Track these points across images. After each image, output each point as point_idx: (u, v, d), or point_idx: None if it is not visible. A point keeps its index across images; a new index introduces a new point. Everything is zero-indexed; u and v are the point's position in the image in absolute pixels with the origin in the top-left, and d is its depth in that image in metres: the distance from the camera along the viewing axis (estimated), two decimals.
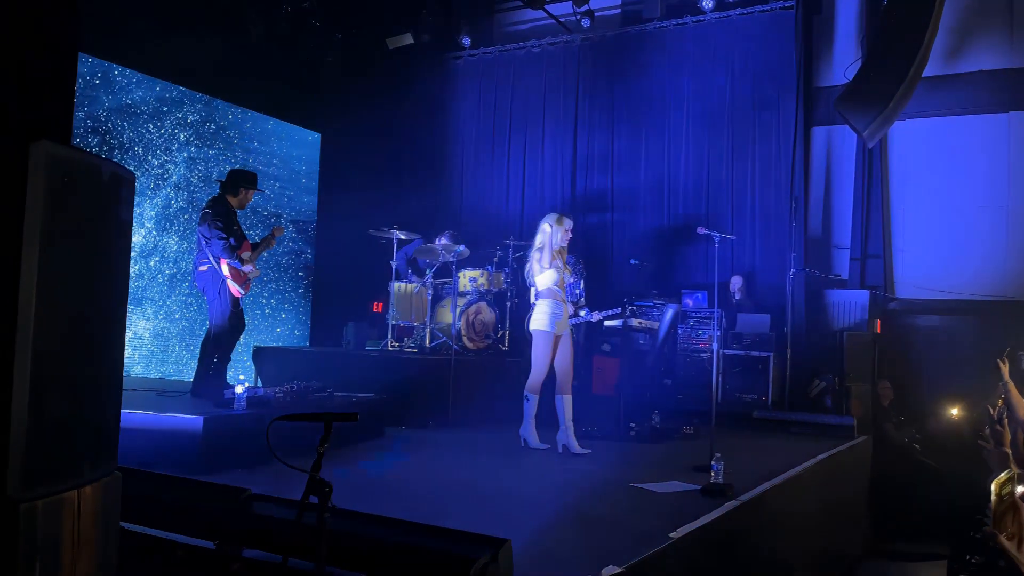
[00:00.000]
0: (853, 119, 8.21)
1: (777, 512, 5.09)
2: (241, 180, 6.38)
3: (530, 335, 6.22)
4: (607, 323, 7.70)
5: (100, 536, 1.81)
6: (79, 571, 1.73)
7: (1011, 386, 4.52)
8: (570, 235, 6.28)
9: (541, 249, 6.13)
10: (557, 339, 6.11)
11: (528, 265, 6.31)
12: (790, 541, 5.36)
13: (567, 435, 6.07)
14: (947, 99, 9.04)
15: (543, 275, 6.11)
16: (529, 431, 6.19)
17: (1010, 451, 4.32)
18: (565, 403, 6.09)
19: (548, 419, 6.29)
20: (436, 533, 2.85)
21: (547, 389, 6.26)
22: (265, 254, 8.03)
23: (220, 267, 6.10)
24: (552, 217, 6.23)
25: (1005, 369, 4.57)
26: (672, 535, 3.73)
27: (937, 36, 8.18)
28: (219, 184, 6.44)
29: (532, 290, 6.39)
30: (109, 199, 1.79)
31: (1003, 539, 2.67)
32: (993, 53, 8.94)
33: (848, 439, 7.32)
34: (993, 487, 3.16)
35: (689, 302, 9.01)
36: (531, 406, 6.17)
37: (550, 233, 6.12)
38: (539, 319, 6.10)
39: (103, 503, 1.81)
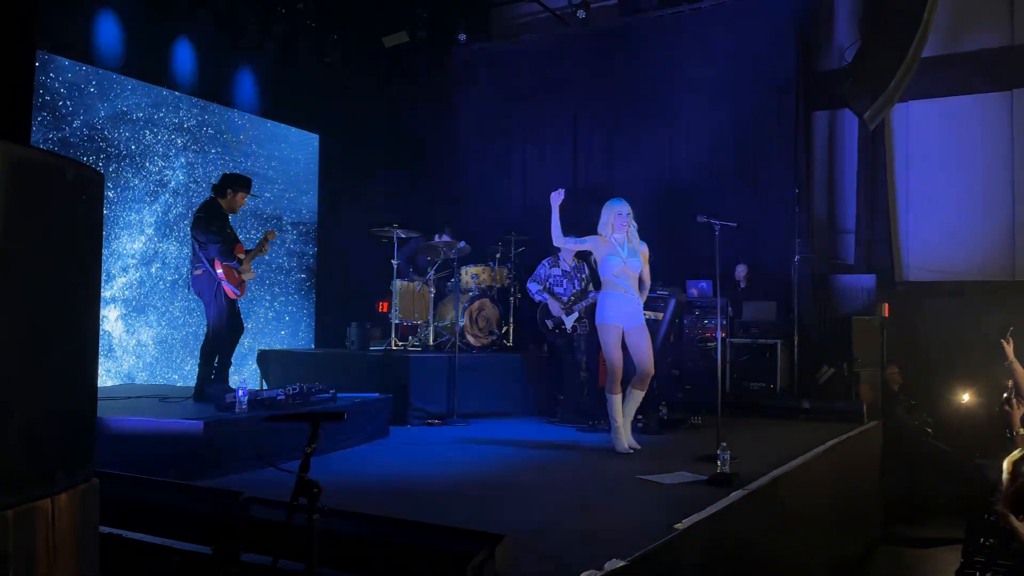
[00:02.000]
0: (853, 102, 8.15)
1: (786, 501, 5.03)
2: (231, 183, 6.36)
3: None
4: None
5: (78, 545, 1.77)
6: None
7: (1016, 365, 4.45)
8: (624, 219, 5.96)
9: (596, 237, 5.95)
10: (623, 331, 5.79)
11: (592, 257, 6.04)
12: (800, 530, 5.30)
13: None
14: (949, 79, 8.94)
15: (599, 265, 5.91)
16: (614, 436, 5.80)
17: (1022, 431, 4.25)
18: (633, 397, 5.84)
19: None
20: (431, 531, 2.81)
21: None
22: (266, 257, 8.01)
23: (214, 269, 6.07)
24: (607, 204, 6.06)
25: (1009, 348, 4.49)
26: (678, 526, 3.68)
27: (937, 15, 8.10)
28: (211, 187, 6.43)
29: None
30: (74, 200, 1.75)
31: (1013, 520, 2.58)
32: (994, 31, 8.83)
33: (858, 425, 7.26)
34: (1006, 465, 3.05)
35: (694, 291, 8.93)
36: (611, 407, 5.79)
37: (601, 219, 5.95)
38: (599, 312, 5.87)
39: (80, 511, 1.77)
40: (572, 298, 7.62)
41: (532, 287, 7.72)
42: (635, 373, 5.87)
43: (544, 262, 7.85)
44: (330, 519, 2.48)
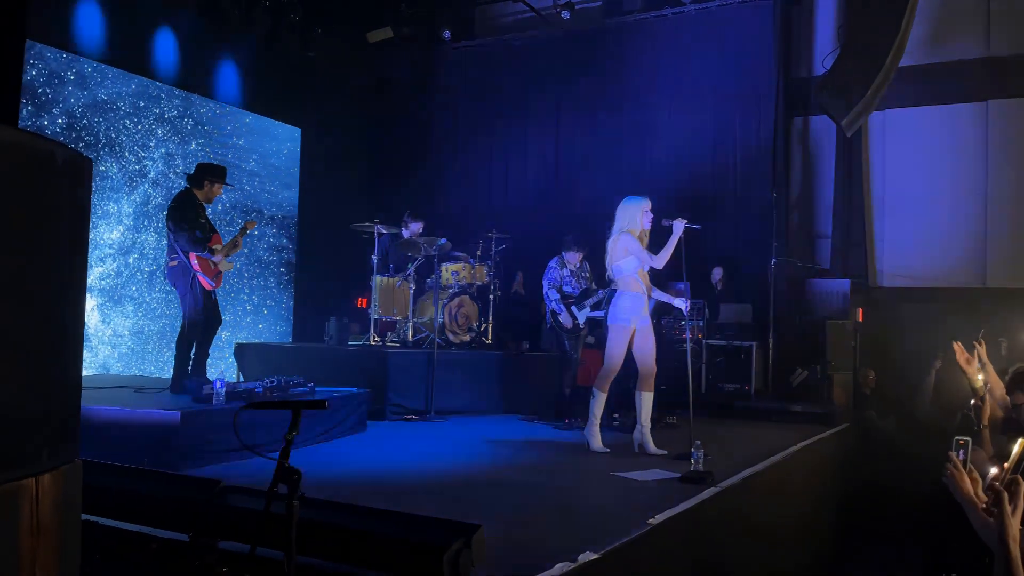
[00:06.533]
0: (832, 108, 8.26)
1: (758, 499, 5.10)
2: (206, 173, 6.33)
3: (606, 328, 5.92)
4: (590, 315, 7.70)
5: (61, 525, 1.79)
6: (40, 560, 1.71)
7: (989, 367, 4.54)
8: (651, 215, 5.79)
9: (619, 234, 5.71)
10: (634, 332, 5.68)
11: (608, 254, 5.82)
12: (770, 527, 5.37)
13: (643, 434, 5.76)
14: (926, 88, 9.08)
15: (621, 263, 5.71)
16: (591, 432, 5.77)
17: (988, 426, 4.34)
18: (644, 400, 5.75)
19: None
20: (408, 520, 2.84)
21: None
22: (245, 249, 7.98)
23: (190, 260, 6.05)
24: (629, 199, 5.80)
25: (982, 350, 4.58)
26: (651, 521, 3.74)
27: (915, 26, 8.23)
28: (186, 177, 6.41)
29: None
30: (64, 185, 1.77)
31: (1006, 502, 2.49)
32: (971, 42, 8.98)
33: (830, 427, 7.35)
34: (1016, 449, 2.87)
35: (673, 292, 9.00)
36: (595, 404, 5.77)
37: (628, 216, 5.71)
38: (613, 312, 5.74)
39: (64, 491, 1.79)
40: (581, 295, 7.70)
41: (551, 296, 7.70)
42: (639, 374, 5.78)
43: (552, 265, 7.81)
44: (308, 508, 2.50)
